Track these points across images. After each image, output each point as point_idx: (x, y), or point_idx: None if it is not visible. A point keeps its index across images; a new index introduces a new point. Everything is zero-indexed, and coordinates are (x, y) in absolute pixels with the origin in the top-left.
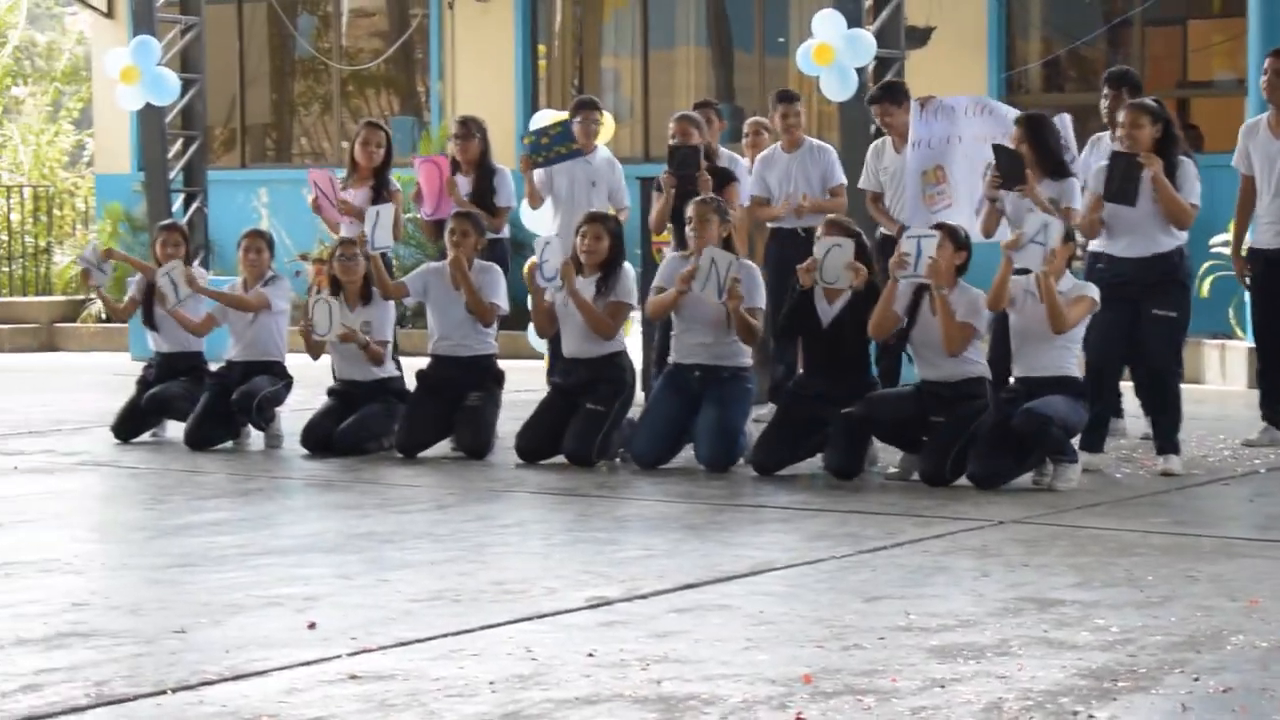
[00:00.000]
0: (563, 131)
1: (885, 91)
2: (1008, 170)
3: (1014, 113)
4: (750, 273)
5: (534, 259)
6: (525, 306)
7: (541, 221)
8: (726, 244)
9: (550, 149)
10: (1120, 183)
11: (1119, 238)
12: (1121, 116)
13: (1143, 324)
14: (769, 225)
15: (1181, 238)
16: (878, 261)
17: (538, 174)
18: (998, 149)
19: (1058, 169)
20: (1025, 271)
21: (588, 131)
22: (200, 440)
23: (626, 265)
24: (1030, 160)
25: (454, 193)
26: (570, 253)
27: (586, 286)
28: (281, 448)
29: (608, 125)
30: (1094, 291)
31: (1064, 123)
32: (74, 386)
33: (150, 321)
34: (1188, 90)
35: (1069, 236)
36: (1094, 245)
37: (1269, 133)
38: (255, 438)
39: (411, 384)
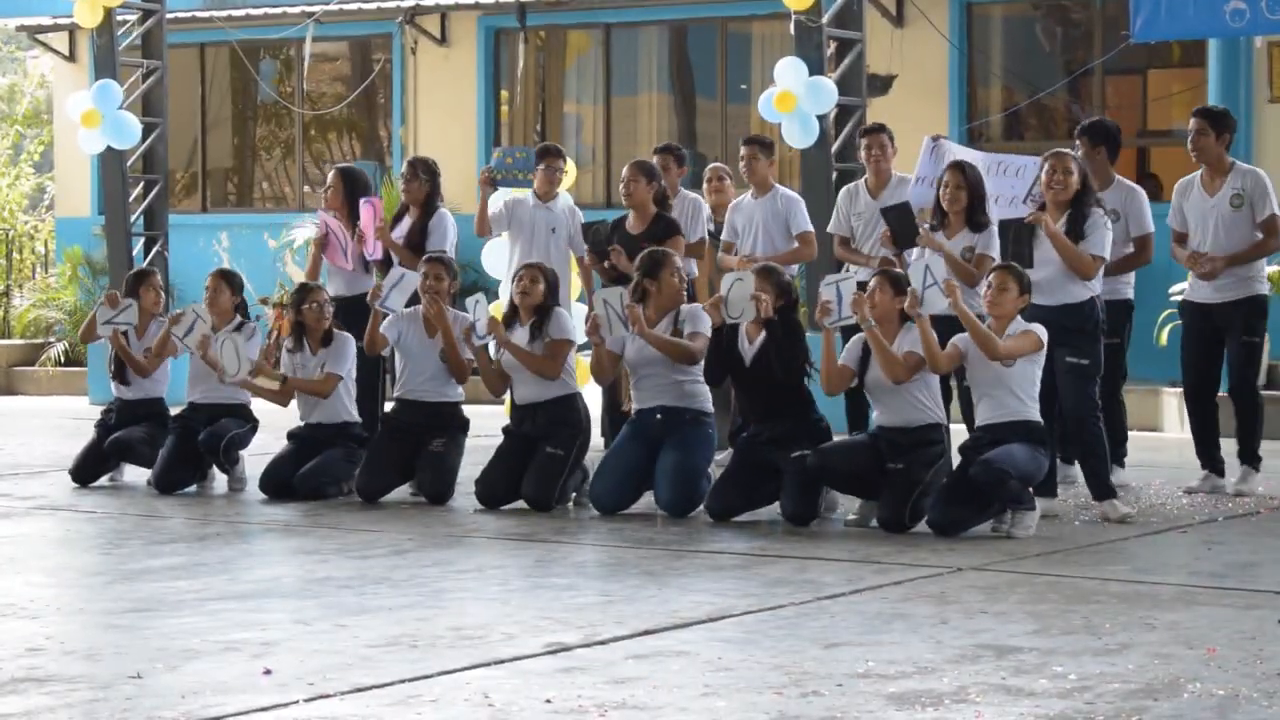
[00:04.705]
0: (526, 158)
1: (883, 127)
2: (898, 230)
3: (1030, 161)
4: (694, 309)
5: (466, 321)
6: None
7: (498, 265)
8: (690, 296)
9: (512, 170)
10: (1014, 247)
11: (1036, 288)
12: (1048, 164)
13: (1056, 373)
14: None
15: (1095, 288)
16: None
17: (494, 208)
18: (886, 211)
19: (978, 223)
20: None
21: (551, 179)
22: (170, 484)
23: (559, 309)
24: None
25: (383, 235)
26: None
27: (523, 334)
28: (245, 491)
29: (569, 171)
30: (1041, 331)
31: (1035, 163)
32: (31, 431)
33: (122, 376)
34: (1147, 140)
35: (1025, 289)
36: None
37: (1201, 190)
38: (219, 481)
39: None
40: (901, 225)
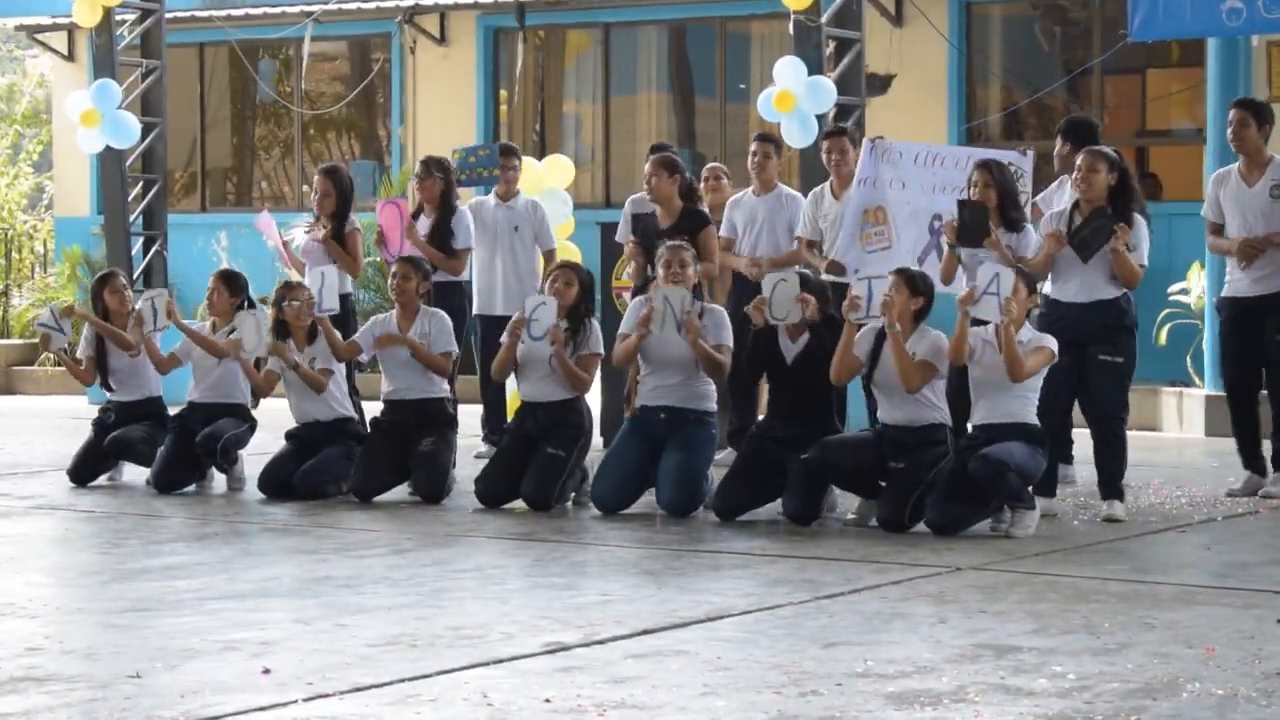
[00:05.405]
0: (489, 154)
1: (844, 130)
2: (971, 225)
3: (972, 153)
4: (717, 316)
5: (520, 315)
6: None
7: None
8: (697, 289)
9: (475, 168)
10: (1090, 234)
11: (1066, 283)
12: (1079, 160)
13: (1089, 369)
14: (731, 271)
15: (1124, 286)
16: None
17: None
18: (963, 204)
19: (1013, 220)
20: (983, 322)
21: (507, 179)
22: (169, 484)
23: (593, 321)
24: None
25: (413, 236)
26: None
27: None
28: (244, 490)
29: (566, 169)
30: (1053, 343)
31: (1027, 159)
32: (31, 430)
33: (106, 383)
34: (1146, 139)
35: (1031, 288)
36: (1043, 289)
37: (1240, 181)
38: (218, 481)
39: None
40: (975, 222)
